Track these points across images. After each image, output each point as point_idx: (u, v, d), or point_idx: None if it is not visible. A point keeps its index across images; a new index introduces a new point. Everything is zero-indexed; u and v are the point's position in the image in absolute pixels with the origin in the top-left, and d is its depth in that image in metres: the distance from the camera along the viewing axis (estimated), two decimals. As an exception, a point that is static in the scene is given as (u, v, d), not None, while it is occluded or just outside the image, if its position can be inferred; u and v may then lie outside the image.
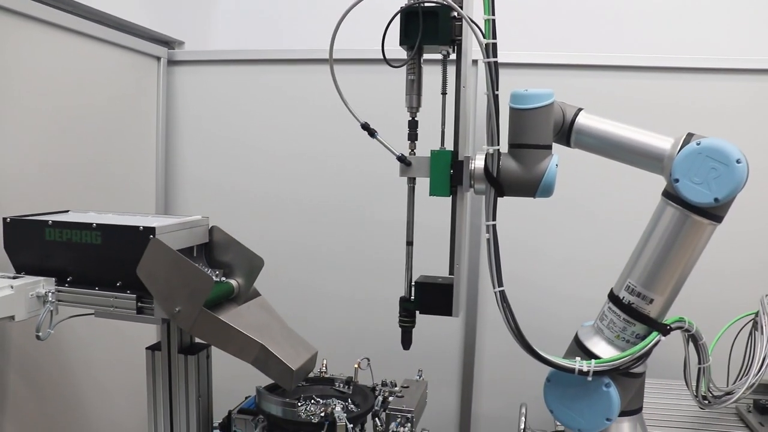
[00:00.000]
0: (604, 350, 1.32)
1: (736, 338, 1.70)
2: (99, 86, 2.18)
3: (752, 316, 1.71)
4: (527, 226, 2.36)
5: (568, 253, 2.40)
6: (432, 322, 2.44)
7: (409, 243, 1.53)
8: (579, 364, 1.28)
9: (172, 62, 2.58)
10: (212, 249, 1.63)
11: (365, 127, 1.49)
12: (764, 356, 1.55)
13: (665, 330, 1.29)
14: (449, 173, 1.41)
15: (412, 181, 1.52)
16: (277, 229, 2.56)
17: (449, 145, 1.45)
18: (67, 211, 1.69)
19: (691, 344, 1.40)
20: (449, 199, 1.47)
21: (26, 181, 1.84)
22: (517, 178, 1.32)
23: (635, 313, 1.30)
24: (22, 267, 1.52)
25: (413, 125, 1.50)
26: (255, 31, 2.84)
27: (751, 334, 1.67)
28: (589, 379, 1.27)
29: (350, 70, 2.48)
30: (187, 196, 2.64)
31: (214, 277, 1.52)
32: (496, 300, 1.31)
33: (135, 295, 1.45)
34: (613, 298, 1.35)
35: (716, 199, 1.19)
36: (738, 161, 1.18)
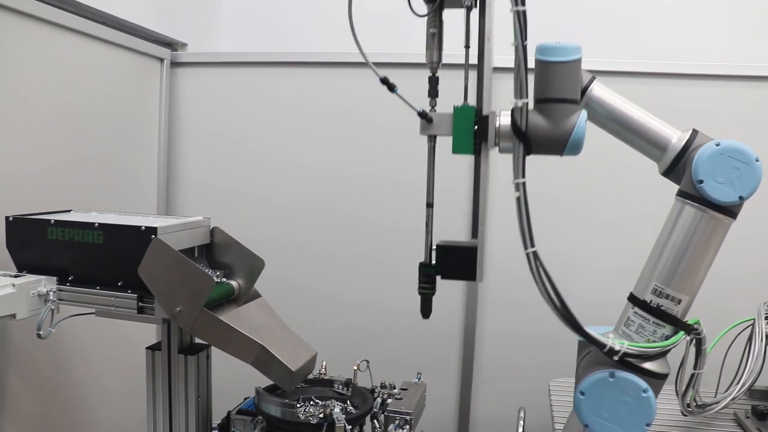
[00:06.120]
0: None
1: (731, 345, 1.71)
2: (102, 87, 2.19)
3: (749, 323, 1.72)
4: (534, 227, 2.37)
5: (568, 254, 2.40)
6: (432, 323, 2.45)
7: (429, 205, 1.45)
8: (611, 342, 1.26)
9: (175, 64, 2.58)
10: (213, 250, 1.64)
11: (384, 81, 1.38)
12: (752, 368, 1.57)
13: (691, 330, 1.30)
14: (473, 129, 1.33)
15: (432, 140, 1.42)
16: (278, 231, 2.57)
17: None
18: (70, 211, 1.70)
19: (691, 348, 1.39)
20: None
21: (29, 180, 1.85)
22: (545, 134, 1.27)
23: (664, 315, 1.29)
24: (24, 266, 1.53)
25: (434, 82, 1.42)
26: (258, 33, 2.86)
27: (749, 340, 1.68)
28: (615, 358, 1.26)
29: (351, 73, 2.50)
30: (189, 197, 2.65)
31: (214, 278, 1.53)
32: (528, 262, 1.26)
33: (136, 295, 1.46)
34: (638, 302, 1.33)
35: (741, 197, 1.23)
36: (757, 159, 1.24)
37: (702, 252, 1.28)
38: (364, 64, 2.58)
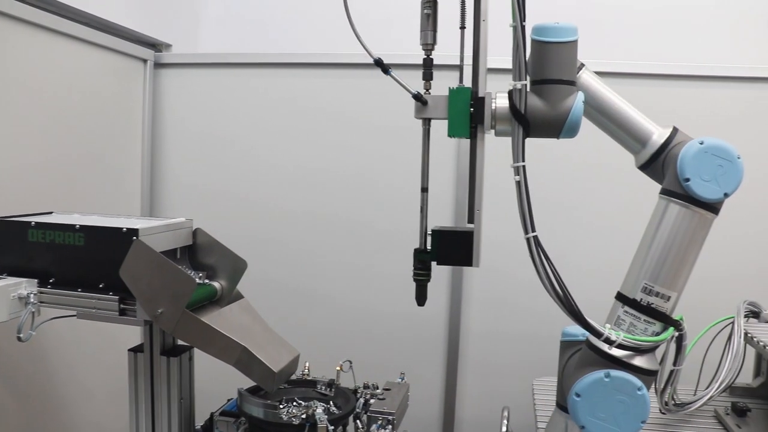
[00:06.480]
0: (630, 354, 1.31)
1: (711, 342, 1.73)
2: (84, 88, 2.18)
3: (729, 321, 1.74)
4: (516, 228, 2.38)
5: (556, 255, 2.42)
6: (416, 324, 2.45)
7: (424, 190, 1.43)
8: (608, 331, 1.27)
9: (158, 65, 2.58)
10: (196, 251, 1.63)
11: (378, 62, 1.35)
12: (731, 366, 1.59)
13: (679, 326, 1.31)
14: (469, 112, 1.31)
15: (427, 123, 1.40)
16: (263, 232, 2.57)
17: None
18: (51, 213, 1.69)
19: (672, 345, 1.40)
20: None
21: (10, 182, 1.84)
22: (543, 116, 1.27)
23: (655, 312, 1.30)
24: (4, 268, 1.52)
25: (428, 63, 1.39)
26: (243, 34, 2.86)
27: (729, 338, 1.70)
28: (609, 350, 1.28)
29: (336, 74, 2.50)
30: (174, 198, 2.64)
31: (197, 279, 1.52)
32: (529, 247, 1.26)
33: (117, 297, 1.45)
34: (628, 301, 1.33)
35: (725, 194, 1.26)
36: (738, 157, 1.27)
37: (688, 248, 1.30)
38: (349, 65, 2.60)
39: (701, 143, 1.28)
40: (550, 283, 1.25)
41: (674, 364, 1.42)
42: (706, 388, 1.65)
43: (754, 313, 1.86)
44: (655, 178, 1.39)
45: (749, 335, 1.69)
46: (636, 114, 1.38)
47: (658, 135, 1.35)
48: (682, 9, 2.58)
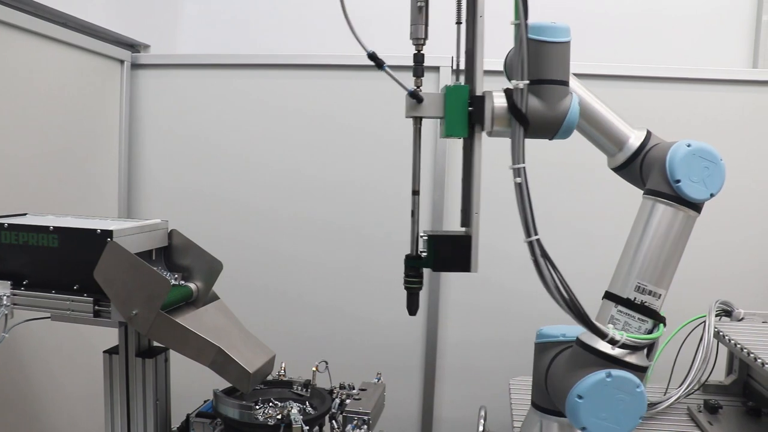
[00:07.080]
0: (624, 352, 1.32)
1: (684, 341, 1.75)
2: (60, 89, 2.16)
3: (702, 320, 1.76)
4: (496, 230, 2.40)
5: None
6: (395, 327, 2.46)
7: (416, 192, 1.37)
8: (612, 332, 1.27)
9: (136, 66, 2.56)
10: (171, 252, 1.63)
11: (372, 56, 1.29)
12: (700, 366, 1.62)
13: (665, 321, 1.33)
14: (467, 110, 1.28)
15: (418, 122, 1.35)
16: (237, 233, 2.56)
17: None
18: (25, 215, 1.68)
19: None
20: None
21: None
22: (541, 116, 1.27)
23: (648, 311, 1.31)
24: (-23, 270, 1.51)
25: (420, 59, 1.34)
26: (222, 35, 2.85)
27: (701, 339, 1.72)
28: (612, 351, 1.28)
29: (319, 75, 2.50)
30: (150, 200, 2.63)
31: (172, 281, 1.52)
32: (532, 251, 1.24)
33: (92, 299, 1.44)
34: (621, 301, 1.33)
35: (711, 194, 1.30)
36: (721, 159, 1.31)
37: (676, 246, 1.32)
38: (331, 67, 2.59)
39: (688, 146, 1.30)
40: (555, 286, 1.23)
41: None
42: (679, 386, 1.68)
43: (726, 312, 1.89)
44: (630, 179, 1.41)
45: (721, 333, 1.72)
46: (613, 117, 1.39)
47: (635, 138, 1.37)
48: (656, 13, 2.62)
